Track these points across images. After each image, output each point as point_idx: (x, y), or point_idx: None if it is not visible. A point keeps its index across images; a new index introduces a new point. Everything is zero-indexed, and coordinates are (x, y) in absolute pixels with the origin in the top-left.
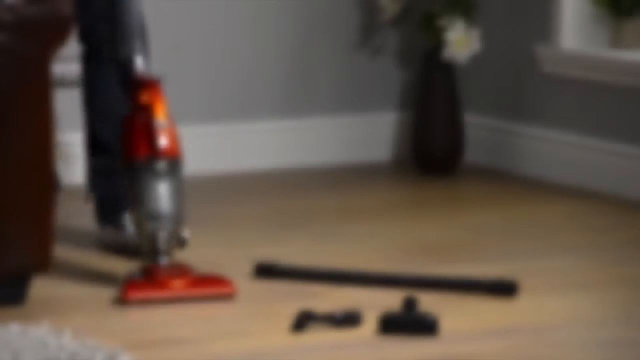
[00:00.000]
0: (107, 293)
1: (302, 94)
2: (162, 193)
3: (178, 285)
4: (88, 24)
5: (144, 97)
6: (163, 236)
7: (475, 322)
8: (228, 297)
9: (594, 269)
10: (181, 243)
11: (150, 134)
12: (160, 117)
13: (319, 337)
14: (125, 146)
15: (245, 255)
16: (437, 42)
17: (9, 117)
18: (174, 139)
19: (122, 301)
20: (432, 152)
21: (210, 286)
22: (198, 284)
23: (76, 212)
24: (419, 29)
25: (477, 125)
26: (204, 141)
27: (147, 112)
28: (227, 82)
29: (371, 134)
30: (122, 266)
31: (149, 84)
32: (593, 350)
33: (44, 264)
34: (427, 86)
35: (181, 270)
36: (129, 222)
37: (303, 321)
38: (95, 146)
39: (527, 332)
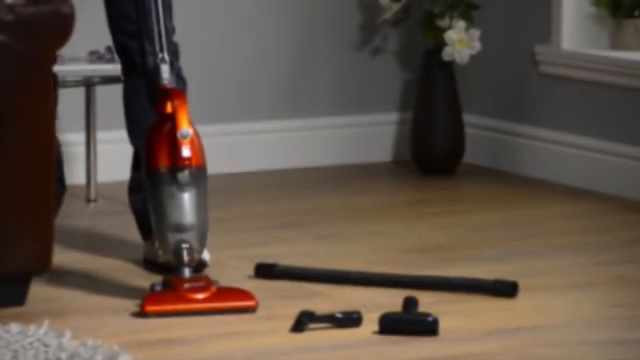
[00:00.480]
0: (107, 293)
1: (302, 94)
2: (186, 203)
3: (199, 298)
4: (123, 41)
5: (169, 106)
6: (186, 248)
7: (475, 322)
8: (250, 310)
9: (594, 269)
10: (202, 265)
11: (173, 143)
12: (184, 126)
13: (319, 337)
14: (148, 155)
15: (245, 255)
16: (437, 42)
17: (9, 117)
18: (198, 148)
19: (141, 313)
20: (432, 152)
21: (232, 299)
22: (220, 297)
23: (76, 212)
24: (419, 29)
25: (477, 125)
26: (204, 141)
27: (171, 122)
28: (227, 82)
29: (371, 134)
30: (122, 266)
31: (174, 93)
32: (593, 350)
33: (44, 264)
34: (427, 86)
35: (204, 283)
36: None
37: (303, 321)
38: (137, 162)
39: (527, 332)
